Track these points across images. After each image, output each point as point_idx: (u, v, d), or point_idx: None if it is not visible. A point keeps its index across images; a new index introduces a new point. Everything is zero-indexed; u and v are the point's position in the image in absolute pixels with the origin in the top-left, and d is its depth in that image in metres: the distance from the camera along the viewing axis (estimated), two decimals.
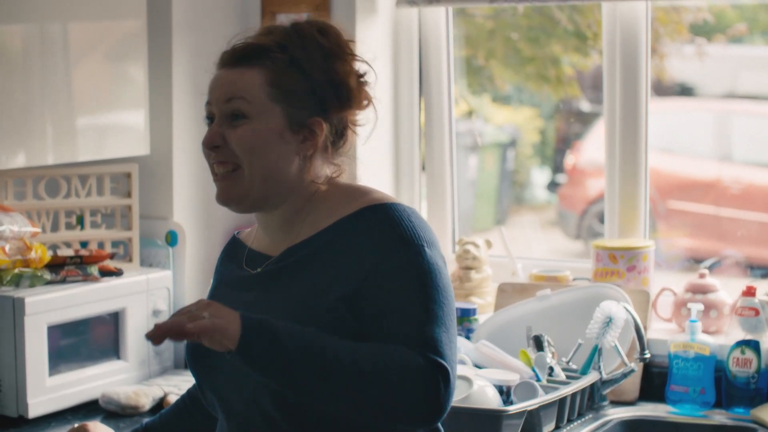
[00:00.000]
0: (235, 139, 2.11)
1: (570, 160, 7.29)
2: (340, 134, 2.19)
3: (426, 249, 2.04)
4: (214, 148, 2.14)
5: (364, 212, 2.09)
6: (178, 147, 3.64)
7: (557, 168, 7.38)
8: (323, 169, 2.18)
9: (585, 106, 7.08)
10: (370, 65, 2.20)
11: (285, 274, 2.12)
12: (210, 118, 2.17)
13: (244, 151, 2.11)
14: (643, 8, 3.62)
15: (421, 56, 3.95)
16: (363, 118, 2.22)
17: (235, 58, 2.15)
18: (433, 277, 2.04)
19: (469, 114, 5.73)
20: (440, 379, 1.97)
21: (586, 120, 7.19)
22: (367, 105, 2.20)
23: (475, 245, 3.74)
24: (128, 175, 3.60)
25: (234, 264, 2.26)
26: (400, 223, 2.06)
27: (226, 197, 2.15)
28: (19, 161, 3.19)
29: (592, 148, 7.31)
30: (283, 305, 2.07)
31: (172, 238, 3.61)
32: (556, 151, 7.36)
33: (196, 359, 2.20)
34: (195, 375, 2.23)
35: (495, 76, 6.14)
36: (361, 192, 2.16)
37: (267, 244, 2.21)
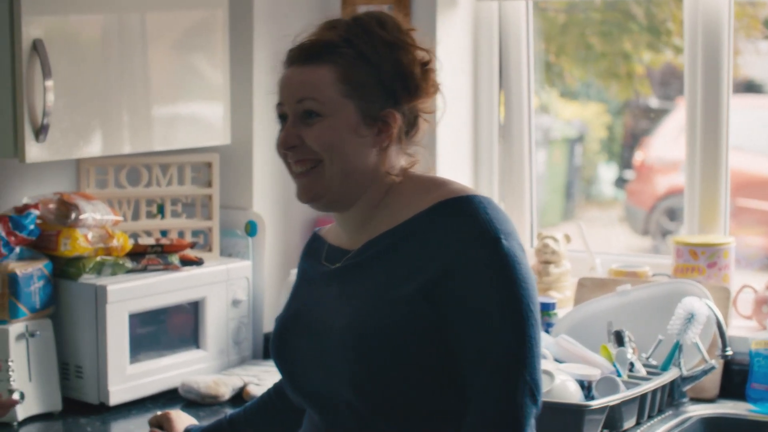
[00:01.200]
0: (312, 137, 2.07)
1: (638, 156, 7.20)
2: (412, 124, 2.13)
3: (503, 240, 1.99)
4: (290, 148, 2.10)
5: (440, 205, 2.04)
6: (259, 137, 3.59)
7: (625, 164, 7.28)
8: (398, 161, 2.13)
9: (653, 102, 6.98)
10: (431, 53, 2.14)
11: (364, 268, 2.08)
12: (282, 117, 2.12)
13: (322, 148, 2.06)
14: (725, 2, 3.52)
15: (501, 50, 3.88)
16: (432, 105, 2.16)
17: (303, 55, 2.10)
18: (513, 270, 1.98)
19: (539, 109, 5.65)
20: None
21: (654, 116, 7.09)
22: (435, 92, 2.14)
23: (554, 239, 3.67)
24: (209, 165, 3.56)
25: (314, 260, 2.22)
26: (477, 215, 2.01)
27: (307, 195, 2.12)
28: (96, 150, 3.15)
29: (661, 145, 7.21)
30: (362, 298, 2.04)
31: (251, 228, 3.56)
32: (623, 147, 7.27)
33: (280, 349, 2.17)
34: (278, 365, 2.19)
35: (564, 72, 6.05)
36: (437, 184, 2.11)
37: (345, 239, 2.17)
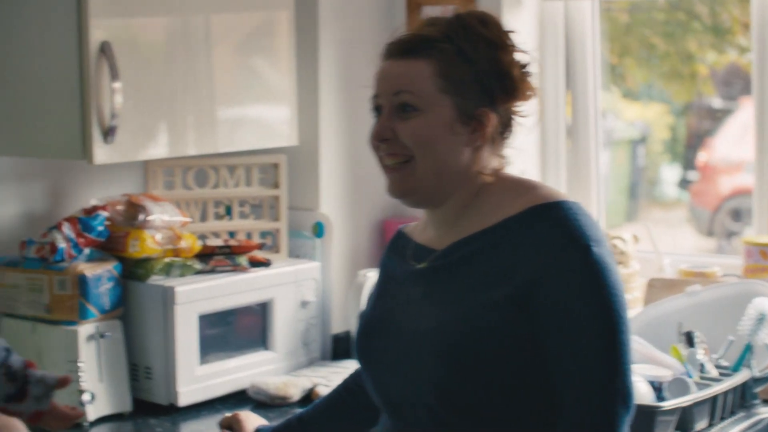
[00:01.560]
0: (407, 132, 2.04)
1: (701, 157, 7.12)
2: (506, 125, 2.10)
3: (594, 247, 1.95)
4: (384, 140, 2.07)
5: (531, 211, 2.01)
6: (325, 138, 3.56)
7: (688, 165, 7.21)
8: (490, 161, 2.10)
9: (716, 102, 6.90)
10: (530, 56, 2.11)
11: (451, 270, 2.05)
12: (377, 109, 2.09)
13: (415, 144, 2.04)
14: None
15: (567, 50, 3.83)
16: (527, 108, 2.12)
17: (402, 49, 2.07)
18: (604, 276, 1.95)
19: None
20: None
21: (717, 117, 7.01)
22: (531, 96, 2.11)
23: (623, 240, 3.62)
24: (276, 166, 3.54)
25: (399, 258, 2.19)
26: (567, 221, 1.97)
27: (399, 190, 2.09)
28: (162, 151, 3.14)
29: (724, 145, 7.12)
30: (448, 301, 2.01)
31: (319, 230, 3.54)
32: (686, 148, 7.20)
33: (363, 348, 2.15)
34: (361, 363, 2.17)
35: (627, 73, 5.99)
36: (527, 187, 2.07)
37: (432, 237, 2.14)
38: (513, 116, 2.10)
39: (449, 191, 2.07)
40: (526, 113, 2.11)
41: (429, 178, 2.05)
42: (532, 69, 2.10)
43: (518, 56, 2.08)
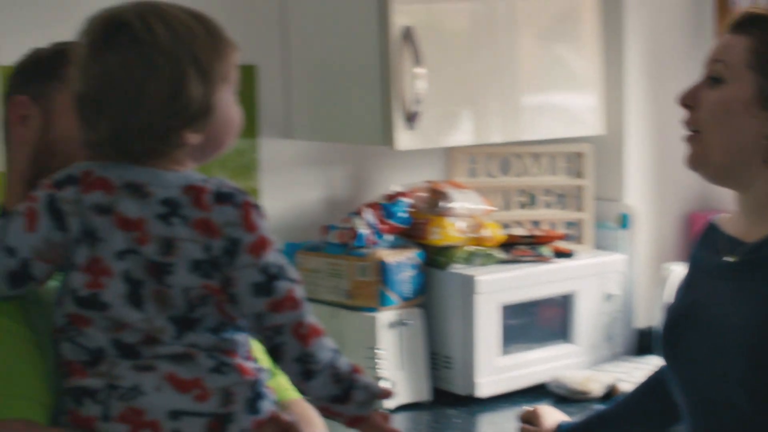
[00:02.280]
0: (707, 101, 1.94)
1: None
2: None
3: None
4: (684, 106, 1.98)
5: None
6: (631, 127, 3.40)
7: None
8: None
9: None
10: None
11: (761, 265, 1.92)
12: None
13: (709, 114, 1.94)
14: None
15: None
16: None
17: (733, 24, 1.97)
18: None
19: None
20: None
21: None
22: None
23: None
24: (580, 156, 3.40)
25: (710, 250, 2.05)
26: None
27: (689, 161, 2.00)
28: (466, 138, 3.07)
29: None
30: (758, 299, 1.88)
31: (624, 221, 3.37)
32: None
33: (668, 343, 2.03)
34: (665, 358, 2.06)
35: None
36: None
37: (742, 228, 2.00)
38: None
39: (742, 172, 1.95)
40: None
41: (717, 154, 1.94)
42: None
43: None
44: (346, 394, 1.64)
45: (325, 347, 1.63)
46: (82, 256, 1.56)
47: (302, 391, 1.68)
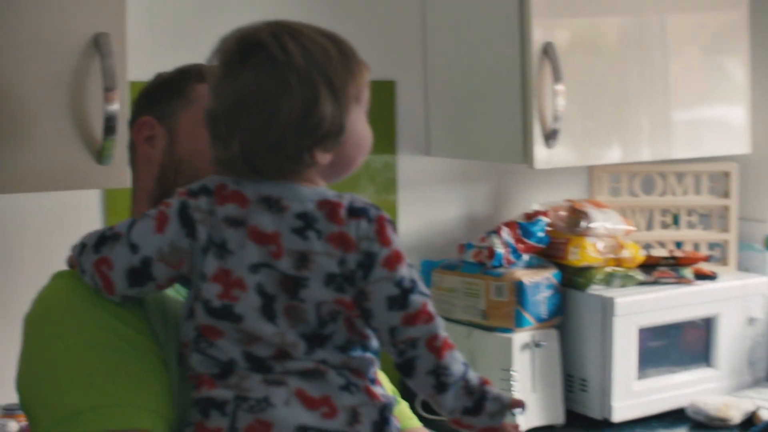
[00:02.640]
0: None
1: None
2: None
3: None
4: None
5: None
6: None
7: None
8: None
9: None
10: None
11: None
12: None
13: None
14: None
15: None
16: None
17: None
18: None
19: None
20: None
21: None
22: None
23: None
24: (726, 174, 3.30)
25: None
26: None
27: None
28: (614, 156, 3.00)
29: None
30: None
31: None
32: None
33: None
34: None
35: None
36: None
37: None
38: None
39: None
40: None
41: None
42: None
43: None
44: (478, 405, 1.63)
45: (457, 360, 1.62)
46: (210, 267, 1.56)
47: (435, 404, 1.65)
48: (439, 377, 1.61)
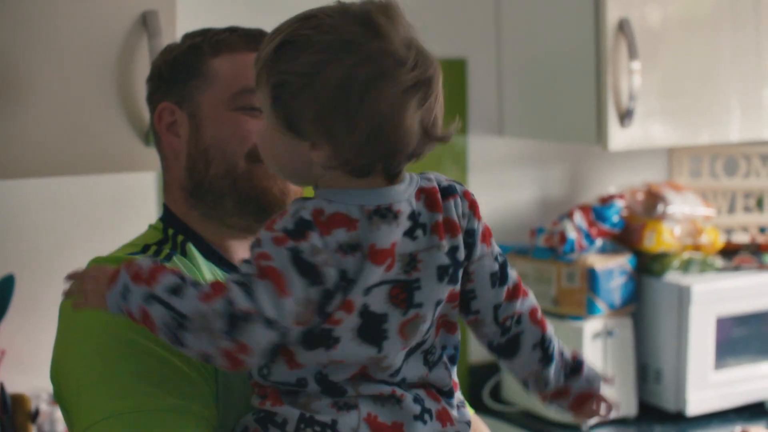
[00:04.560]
0: None
1: None
2: None
3: None
4: None
5: None
6: None
7: None
8: None
9: None
10: None
11: None
12: None
13: None
14: None
15: None
16: None
17: None
18: None
19: None
20: None
21: None
22: None
23: None
24: None
25: None
26: None
27: None
28: (702, 138, 2.84)
29: None
30: None
31: None
32: None
33: None
34: None
35: None
36: None
37: None
38: None
39: None
40: None
41: None
42: None
43: None
44: (577, 369, 1.54)
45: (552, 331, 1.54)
46: (333, 305, 1.38)
47: (542, 380, 1.53)
48: (545, 350, 1.51)
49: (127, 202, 2.56)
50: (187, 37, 1.67)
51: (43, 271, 2.47)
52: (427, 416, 1.44)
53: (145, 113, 2.07)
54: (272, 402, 1.43)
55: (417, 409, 1.44)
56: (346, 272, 1.36)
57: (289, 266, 1.34)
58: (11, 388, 2.34)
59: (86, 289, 1.40)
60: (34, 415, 2.28)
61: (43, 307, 2.43)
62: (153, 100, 1.67)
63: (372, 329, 1.39)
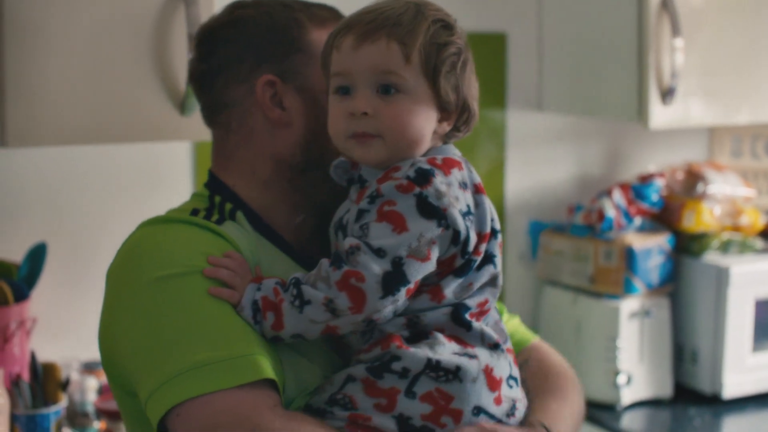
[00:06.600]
0: None
1: None
2: None
3: None
4: None
5: None
6: None
7: None
8: None
9: None
10: None
11: None
12: None
13: None
14: None
15: None
16: None
17: None
18: None
19: None
20: None
21: None
22: None
23: None
24: None
25: None
26: None
27: None
28: (742, 118, 2.77)
29: None
30: None
31: None
32: None
33: None
34: None
35: None
36: None
37: None
38: None
39: None
40: None
41: None
42: None
43: None
44: None
45: None
46: (471, 244, 1.47)
47: None
48: None
49: (161, 172, 2.53)
50: (279, 7, 1.60)
51: (74, 240, 2.44)
52: (513, 382, 1.50)
53: (181, 83, 2.04)
54: (398, 345, 1.43)
55: (515, 369, 1.52)
56: (470, 206, 1.45)
57: (413, 209, 1.41)
58: (42, 357, 2.32)
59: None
60: (65, 384, 2.26)
61: (74, 276, 2.41)
62: (238, 65, 1.59)
63: (490, 254, 1.49)
